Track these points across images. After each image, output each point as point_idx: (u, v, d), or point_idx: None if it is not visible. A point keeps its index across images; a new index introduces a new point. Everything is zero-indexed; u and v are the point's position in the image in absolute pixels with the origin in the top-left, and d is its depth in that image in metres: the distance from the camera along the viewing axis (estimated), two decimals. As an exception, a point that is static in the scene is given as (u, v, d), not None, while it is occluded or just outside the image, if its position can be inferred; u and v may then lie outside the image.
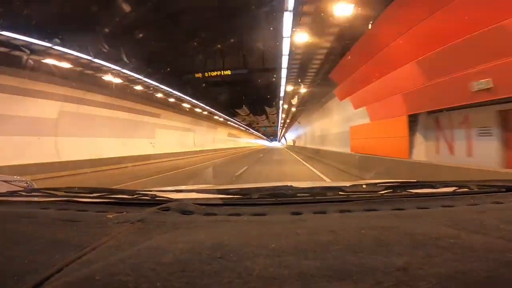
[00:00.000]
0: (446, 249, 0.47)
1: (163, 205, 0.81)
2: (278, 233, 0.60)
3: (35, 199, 1.01)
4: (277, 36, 9.05)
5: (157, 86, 15.54)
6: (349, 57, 9.24)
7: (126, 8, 8.88)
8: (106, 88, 13.44)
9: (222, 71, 14.49)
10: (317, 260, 0.45)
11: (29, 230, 0.70)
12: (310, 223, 0.68)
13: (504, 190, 0.96)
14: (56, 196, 1.03)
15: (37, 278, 0.46)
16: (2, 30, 7.77)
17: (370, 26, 7.18)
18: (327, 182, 5.62)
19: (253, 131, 65.52)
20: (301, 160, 16.33)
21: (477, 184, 1.02)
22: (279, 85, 15.05)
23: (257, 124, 57.56)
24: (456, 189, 0.99)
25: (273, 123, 48.70)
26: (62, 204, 0.93)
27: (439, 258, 0.44)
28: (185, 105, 21.48)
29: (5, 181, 3.19)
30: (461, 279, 0.38)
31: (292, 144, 37.80)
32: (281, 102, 19.12)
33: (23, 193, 1.07)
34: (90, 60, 10.71)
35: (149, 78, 14.18)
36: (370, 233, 0.57)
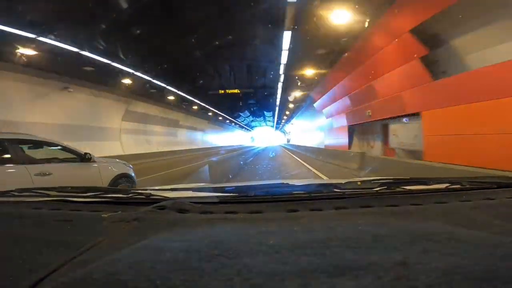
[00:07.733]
0: (442, 244, 0.48)
1: (159, 204, 0.80)
2: (275, 230, 0.60)
3: (27, 199, 0.99)
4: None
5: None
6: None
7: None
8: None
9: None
10: (316, 256, 0.45)
11: (22, 231, 0.69)
12: (306, 220, 0.68)
13: (495, 186, 0.98)
14: (49, 196, 1.01)
15: (32, 279, 0.45)
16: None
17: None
18: (323, 179, 5.66)
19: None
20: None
21: (469, 180, 1.04)
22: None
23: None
24: (449, 186, 1.00)
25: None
26: (55, 204, 0.92)
27: (436, 253, 0.44)
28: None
29: (124, 164, 4.25)
30: (459, 273, 0.38)
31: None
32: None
33: (15, 193, 1.05)
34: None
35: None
36: (366, 229, 0.57)
